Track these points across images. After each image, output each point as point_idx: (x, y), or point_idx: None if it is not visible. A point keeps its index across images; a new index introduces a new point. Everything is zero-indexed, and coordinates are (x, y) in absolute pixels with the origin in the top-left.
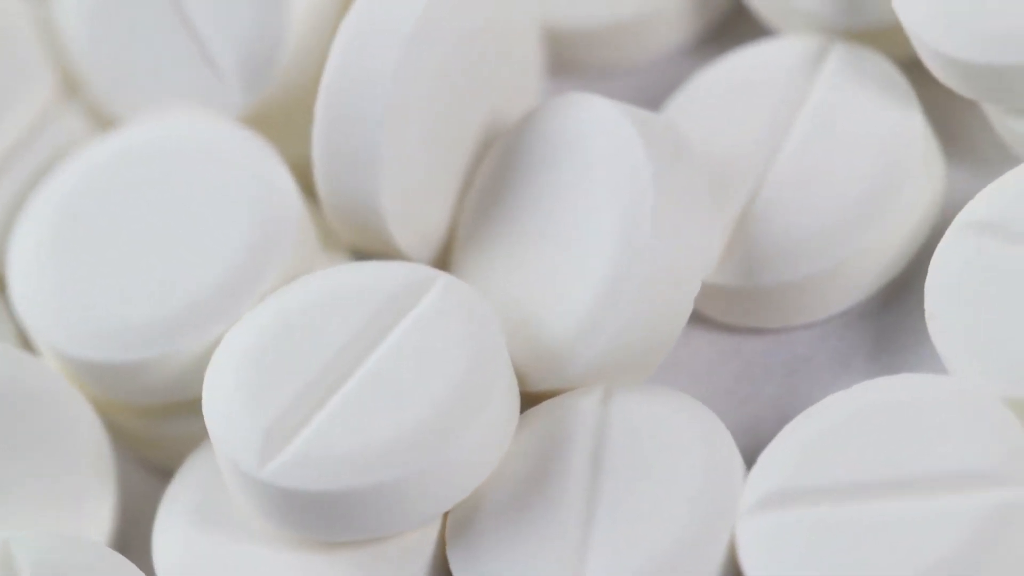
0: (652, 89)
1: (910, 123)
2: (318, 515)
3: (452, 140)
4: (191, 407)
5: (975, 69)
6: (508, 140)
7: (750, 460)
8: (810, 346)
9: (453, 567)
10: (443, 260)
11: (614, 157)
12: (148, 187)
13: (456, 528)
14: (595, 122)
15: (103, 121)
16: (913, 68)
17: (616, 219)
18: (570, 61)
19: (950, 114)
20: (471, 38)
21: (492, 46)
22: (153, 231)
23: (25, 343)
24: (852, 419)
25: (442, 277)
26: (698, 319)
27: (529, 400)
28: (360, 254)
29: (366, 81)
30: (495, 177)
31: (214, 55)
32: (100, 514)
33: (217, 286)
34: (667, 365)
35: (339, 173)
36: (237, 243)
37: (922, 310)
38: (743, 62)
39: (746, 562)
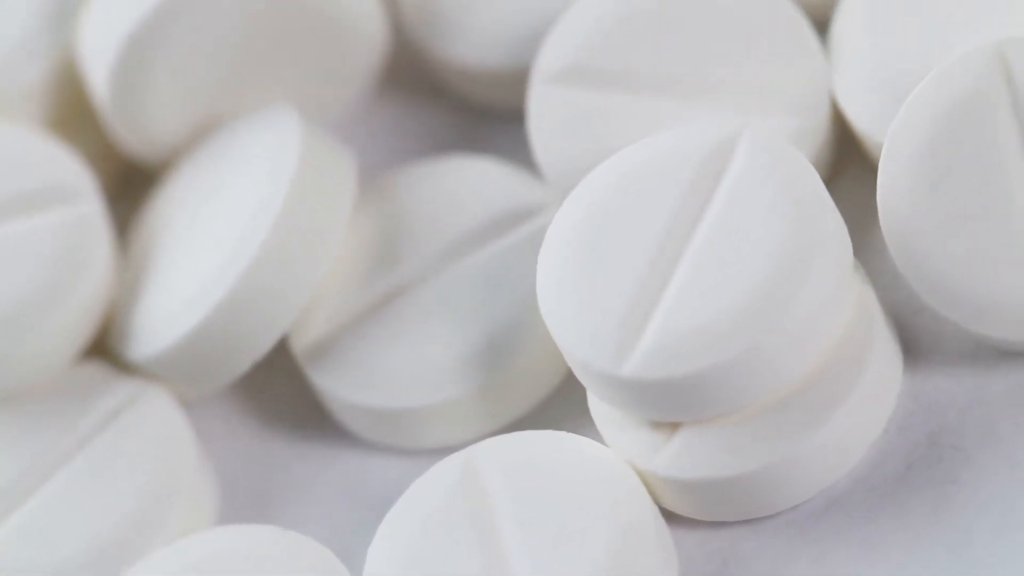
0: (464, 129)
1: None
2: None
3: (220, 86)
4: None
5: (618, 381)
6: (229, 125)
7: None
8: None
9: None
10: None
11: (264, 181)
12: None
13: None
14: (277, 137)
15: None
16: None
17: (234, 236)
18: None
19: None
20: (268, 15)
21: (304, 28)
22: None
23: None
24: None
25: (85, 202)
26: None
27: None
28: None
29: None
30: (203, 152)
31: None
32: None
33: None
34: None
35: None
36: None
37: None
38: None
39: None
